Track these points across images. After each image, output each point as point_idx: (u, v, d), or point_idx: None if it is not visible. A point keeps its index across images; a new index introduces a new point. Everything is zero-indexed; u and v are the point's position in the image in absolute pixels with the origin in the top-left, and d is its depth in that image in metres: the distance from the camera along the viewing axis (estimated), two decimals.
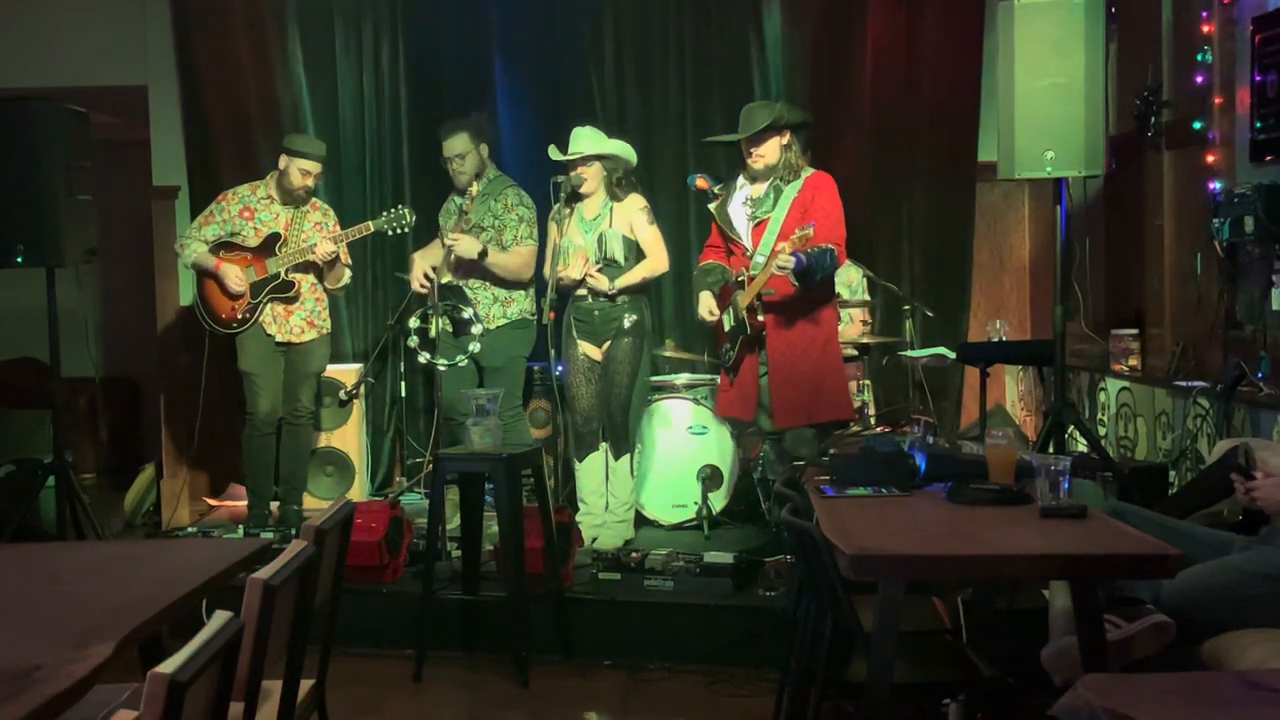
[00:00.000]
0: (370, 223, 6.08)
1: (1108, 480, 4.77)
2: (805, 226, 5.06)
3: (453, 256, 6.10)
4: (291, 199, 6.13)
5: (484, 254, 5.98)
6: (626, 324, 5.83)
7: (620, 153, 5.88)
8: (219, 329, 6.18)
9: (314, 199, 6.26)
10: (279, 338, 6.15)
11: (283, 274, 6.07)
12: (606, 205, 5.85)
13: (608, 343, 5.87)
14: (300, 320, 6.17)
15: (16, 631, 2.56)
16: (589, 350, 5.92)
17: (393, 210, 6.11)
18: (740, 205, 5.49)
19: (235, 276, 6.05)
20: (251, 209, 6.15)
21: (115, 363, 9.19)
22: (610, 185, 5.84)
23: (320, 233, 6.13)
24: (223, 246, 6.09)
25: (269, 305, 6.10)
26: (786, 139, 5.41)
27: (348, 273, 6.27)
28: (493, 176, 6.20)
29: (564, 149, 5.86)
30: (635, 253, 5.87)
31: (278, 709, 3.00)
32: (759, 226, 5.40)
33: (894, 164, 6.80)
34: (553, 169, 5.86)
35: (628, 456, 5.97)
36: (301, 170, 6.05)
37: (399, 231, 6.12)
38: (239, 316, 6.10)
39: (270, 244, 6.09)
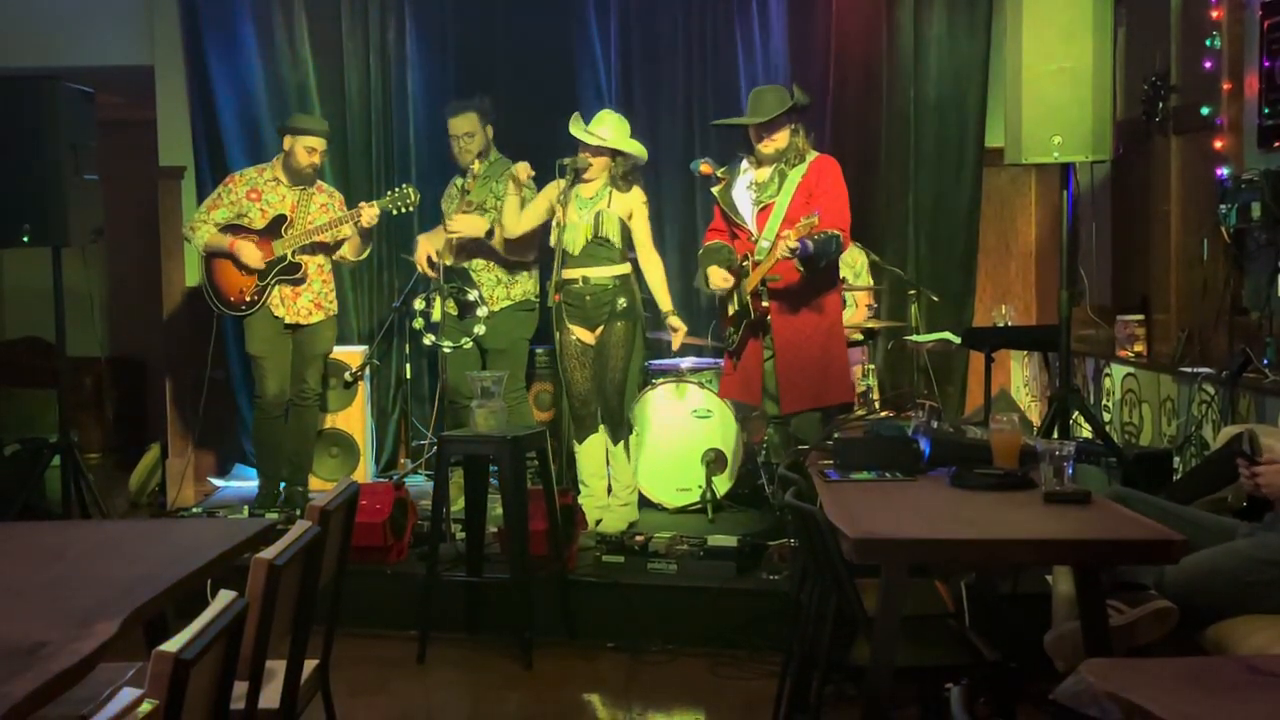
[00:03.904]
0: (375, 202, 6.07)
1: (1112, 466, 4.77)
2: (810, 215, 5.05)
3: (456, 239, 6.10)
4: (299, 179, 6.12)
5: (490, 233, 5.97)
6: (618, 307, 5.81)
7: (635, 153, 5.84)
8: (227, 311, 6.18)
9: (319, 181, 6.26)
10: (287, 320, 6.15)
11: (290, 256, 6.07)
12: (606, 188, 5.82)
13: (600, 327, 5.85)
14: (308, 302, 6.17)
15: (22, 609, 2.56)
16: (581, 334, 5.89)
17: (397, 190, 6.10)
18: (744, 189, 5.48)
19: (251, 252, 6.05)
20: (258, 190, 6.15)
21: (121, 342, 9.20)
22: (615, 177, 5.81)
23: (326, 214, 6.13)
24: (229, 229, 6.09)
25: (276, 287, 6.10)
26: (795, 123, 5.40)
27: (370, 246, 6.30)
28: (494, 159, 6.20)
29: (582, 127, 5.82)
30: (627, 240, 5.84)
31: (282, 688, 3.02)
32: (764, 211, 5.39)
33: (901, 148, 6.78)
34: (557, 152, 5.84)
35: (625, 440, 5.96)
36: (307, 148, 6.05)
37: (404, 210, 6.11)
38: (246, 299, 6.10)
39: (276, 226, 6.08)
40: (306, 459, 6.44)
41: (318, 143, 6.08)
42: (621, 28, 7.00)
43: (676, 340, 5.86)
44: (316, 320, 6.21)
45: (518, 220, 5.94)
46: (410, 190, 6.07)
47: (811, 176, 5.36)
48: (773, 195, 5.37)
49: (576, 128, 5.78)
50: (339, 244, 6.13)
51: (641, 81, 6.99)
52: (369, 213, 5.99)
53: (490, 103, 6.27)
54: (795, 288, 5.33)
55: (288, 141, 6.09)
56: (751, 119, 5.38)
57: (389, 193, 6.13)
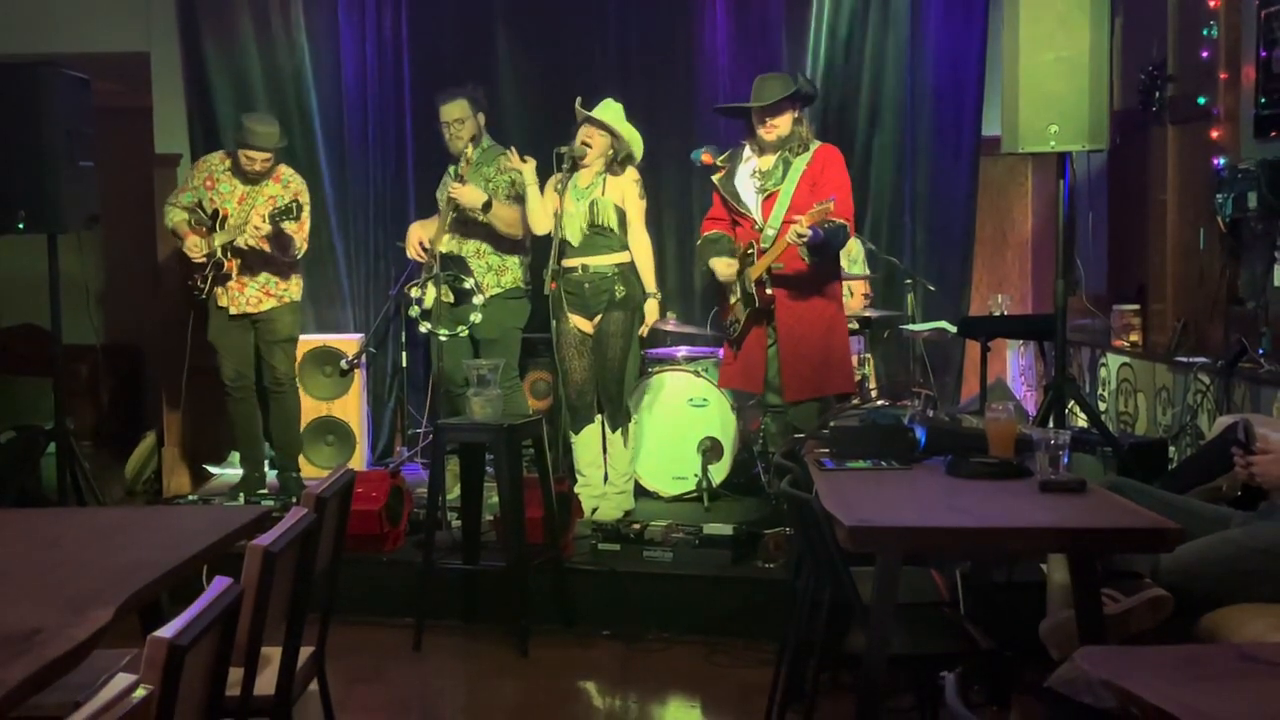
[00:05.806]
0: (265, 213, 5.99)
1: (1107, 455, 4.78)
2: (825, 200, 5.02)
3: (449, 222, 6.08)
4: (246, 179, 6.13)
5: (488, 205, 5.96)
6: (617, 296, 5.81)
7: (632, 139, 5.82)
8: (192, 295, 6.29)
9: (280, 168, 6.22)
10: (232, 310, 6.21)
11: (218, 252, 6.08)
12: (601, 176, 5.81)
13: (599, 316, 5.85)
14: (255, 291, 6.19)
15: (18, 596, 2.57)
16: (579, 323, 5.89)
17: (291, 202, 6.06)
18: (747, 178, 5.47)
19: (194, 246, 6.09)
20: (214, 178, 6.18)
21: (117, 330, 9.17)
22: (611, 163, 5.81)
23: (273, 205, 6.04)
24: (192, 221, 6.13)
25: (214, 280, 6.15)
26: (798, 111, 5.40)
27: (296, 240, 6.17)
28: (486, 146, 6.18)
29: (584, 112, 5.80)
30: (624, 223, 5.83)
31: (277, 675, 3.02)
32: (768, 199, 5.38)
33: (897, 137, 6.77)
34: (553, 140, 5.82)
35: (624, 428, 5.96)
36: (246, 156, 6.04)
37: (292, 218, 6.02)
38: (198, 285, 6.22)
39: (213, 220, 6.11)
40: (293, 445, 6.45)
41: (257, 154, 6.05)
42: (621, 14, 6.98)
43: (644, 328, 5.87)
44: (269, 308, 6.23)
45: (543, 214, 5.87)
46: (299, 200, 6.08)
47: (816, 165, 5.35)
48: (777, 183, 5.36)
49: (580, 107, 5.76)
50: (279, 235, 6.08)
51: (640, 69, 6.96)
52: (253, 220, 5.96)
53: (482, 90, 6.25)
54: (800, 276, 5.31)
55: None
56: (754, 103, 5.37)
57: (281, 205, 6.07)
